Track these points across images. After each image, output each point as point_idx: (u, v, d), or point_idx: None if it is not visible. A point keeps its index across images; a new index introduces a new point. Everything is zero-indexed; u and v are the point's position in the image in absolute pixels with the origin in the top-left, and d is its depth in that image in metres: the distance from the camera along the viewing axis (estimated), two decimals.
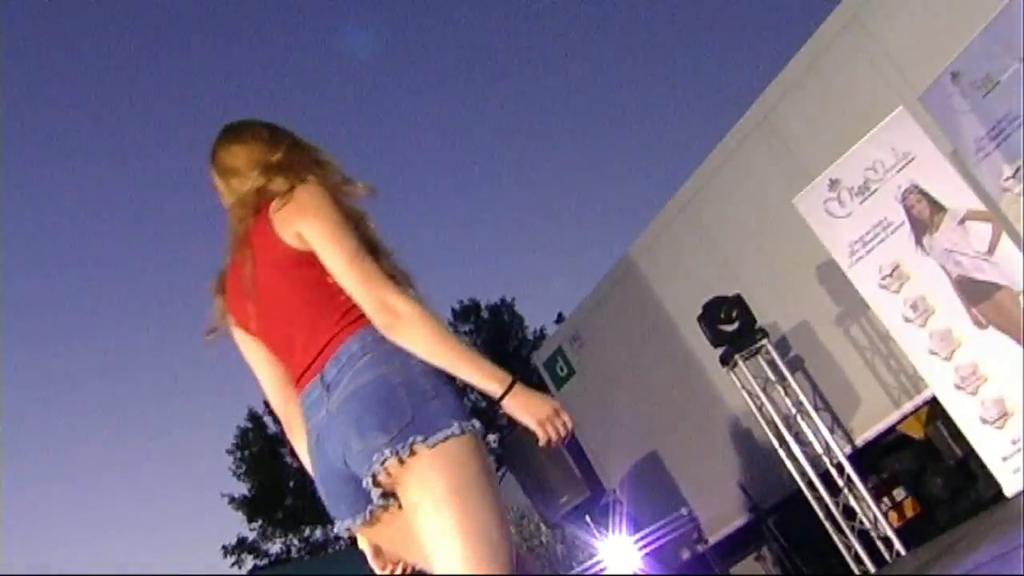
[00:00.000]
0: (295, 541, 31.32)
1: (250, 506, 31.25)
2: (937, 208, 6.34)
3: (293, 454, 29.76)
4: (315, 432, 2.40)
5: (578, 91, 49.44)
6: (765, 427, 7.77)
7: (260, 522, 31.24)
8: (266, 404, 30.40)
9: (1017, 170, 6.06)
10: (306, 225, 2.36)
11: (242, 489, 31.60)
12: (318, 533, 31.10)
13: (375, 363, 2.32)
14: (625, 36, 48.13)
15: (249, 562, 30.71)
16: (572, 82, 48.01)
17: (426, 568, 2.35)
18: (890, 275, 6.47)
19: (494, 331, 33.18)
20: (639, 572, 7.61)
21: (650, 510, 9.55)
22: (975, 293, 6.25)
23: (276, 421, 30.96)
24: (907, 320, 6.41)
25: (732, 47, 49.08)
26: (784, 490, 8.03)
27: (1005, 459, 6.20)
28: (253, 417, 31.82)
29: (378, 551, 2.55)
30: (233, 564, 30.52)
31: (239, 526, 31.47)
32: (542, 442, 2.31)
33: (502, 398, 2.27)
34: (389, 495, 2.29)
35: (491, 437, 25.19)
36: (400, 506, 2.29)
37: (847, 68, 7.64)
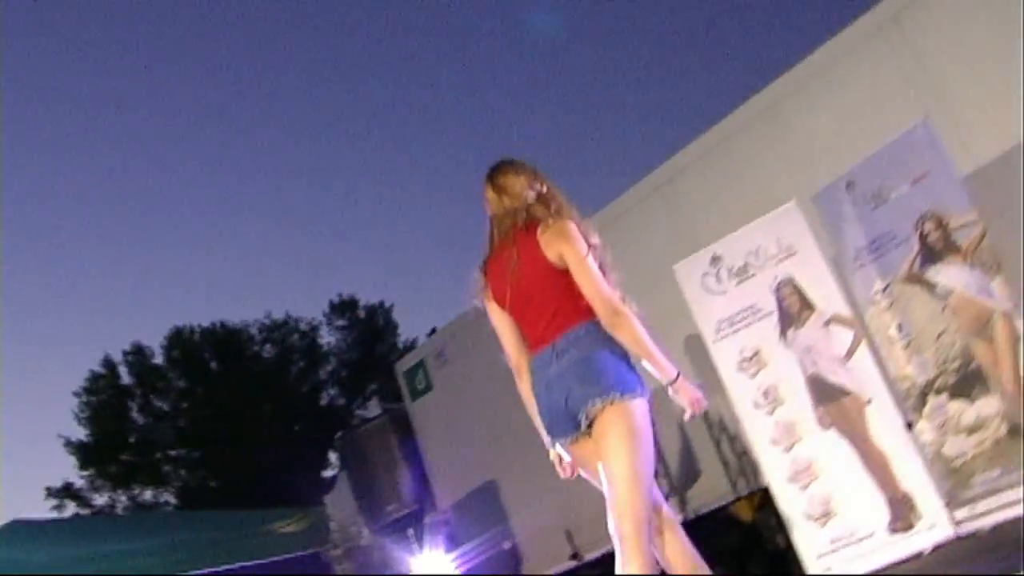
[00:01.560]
0: (123, 498, 30.29)
1: (85, 453, 30.12)
2: (806, 305, 6.43)
3: (141, 410, 29.15)
4: (544, 380, 3.50)
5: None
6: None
7: (92, 471, 30.15)
8: (124, 353, 29.77)
9: (888, 286, 6.20)
10: (565, 248, 3.47)
11: (81, 434, 30.49)
12: (148, 495, 30.19)
13: (596, 343, 3.43)
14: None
15: (71, 509, 29.58)
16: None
17: (596, 477, 3.43)
18: (749, 359, 6.53)
19: (367, 331, 32.83)
20: None
21: (475, 538, 9.46)
22: (824, 394, 6.36)
23: (131, 373, 30.49)
24: (756, 406, 6.47)
25: (652, 110, 49.86)
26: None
27: (820, 556, 6.30)
28: (107, 363, 30.71)
29: (563, 460, 3.67)
30: (53, 508, 29.35)
31: (69, 471, 30.40)
32: (687, 417, 3.50)
33: (672, 382, 3.43)
34: (590, 426, 3.36)
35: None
36: (591, 435, 3.38)
37: (755, 153, 7.78)
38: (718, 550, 8.18)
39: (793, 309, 6.46)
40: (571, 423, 3.41)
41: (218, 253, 46.99)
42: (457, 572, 7.67)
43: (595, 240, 3.58)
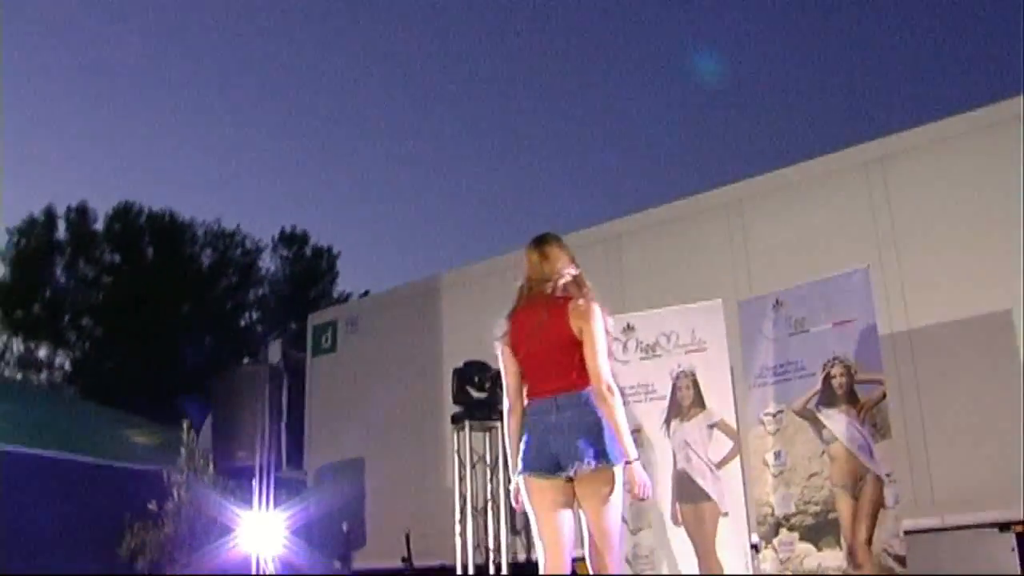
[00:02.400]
0: (17, 346, 29.70)
1: None
2: (698, 402, 6.43)
3: (66, 268, 28.31)
4: (543, 424, 4.03)
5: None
6: (456, 497, 7.72)
7: None
8: (68, 208, 28.84)
9: (779, 412, 6.21)
10: (587, 327, 4.04)
11: None
12: (43, 352, 29.50)
13: (595, 409, 3.98)
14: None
15: None
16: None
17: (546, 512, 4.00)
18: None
19: (307, 270, 32.51)
20: (267, 558, 7.38)
21: (322, 511, 9.38)
22: (686, 492, 6.36)
23: (68, 230, 29.75)
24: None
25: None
26: (440, 556, 7.96)
27: None
28: (48, 213, 29.92)
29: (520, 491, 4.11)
30: None
31: None
32: (630, 498, 4.13)
33: (628, 463, 3.99)
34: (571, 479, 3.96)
35: None
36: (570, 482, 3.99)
37: (703, 241, 7.83)
38: None
39: (685, 402, 6.46)
40: (556, 466, 3.96)
41: (194, 142, 46.45)
42: (281, 533, 7.54)
43: (611, 327, 4.21)
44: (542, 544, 4.02)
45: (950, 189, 6.78)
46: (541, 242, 4.29)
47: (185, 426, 8.25)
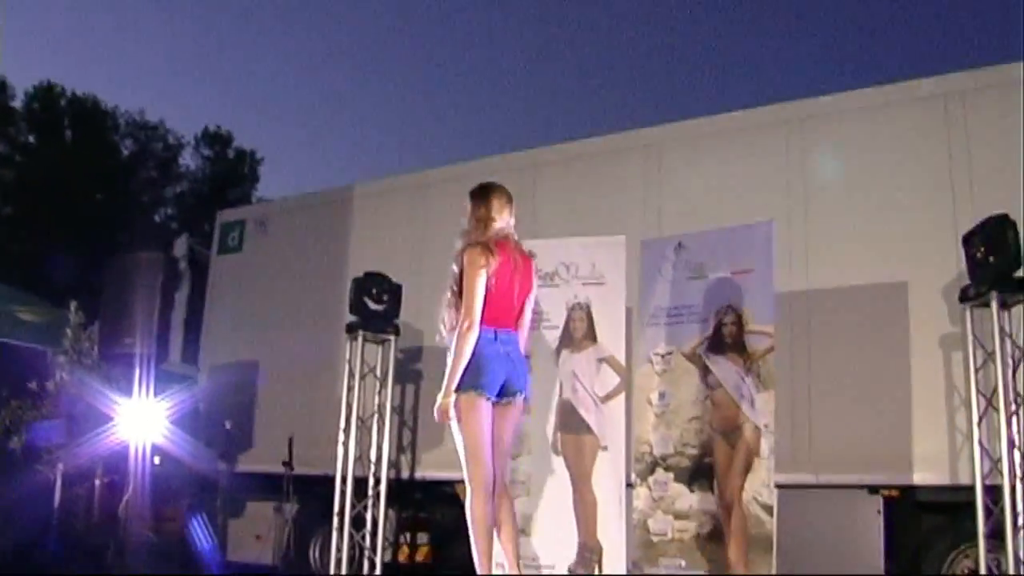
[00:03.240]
0: None
1: None
2: (590, 335, 6.47)
3: None
4: (494, 353, 4.51)
5: None
6: (343, 407, 7.68)
7: None
8: None
9: (668, 353, 6.27)
10: (533, 288, 4.81)
11: None
12: None
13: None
14: None
15: None
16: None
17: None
18: None
19: (228, 171, 32.02)
20: (147, 444, 7.29)
21: (210, 408, 9.30)
22: (569, 422, 6.42)
23: None
24: None
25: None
26: (323, 466, 7.93)
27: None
28: None
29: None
30: None
31: None
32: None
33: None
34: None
35: None
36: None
37: (619, 178, 7.82)
38: (433, 524, 8.32)
39: (577, 334, 6.49)
40: (504, 391, 4.53)
41: (125, 29, 45.09)
42: (163, 423, 7.45)
43: None
44: (480, 458, 4.45)
45: (865, 159, 6.83)
46: (509, 195, 4.80)
47: (73, 307, 8.03)
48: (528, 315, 4.73)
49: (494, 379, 4.49)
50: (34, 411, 7.83)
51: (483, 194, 4.77)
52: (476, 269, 4.50)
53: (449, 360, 4.51)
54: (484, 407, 4.46)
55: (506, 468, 4.63)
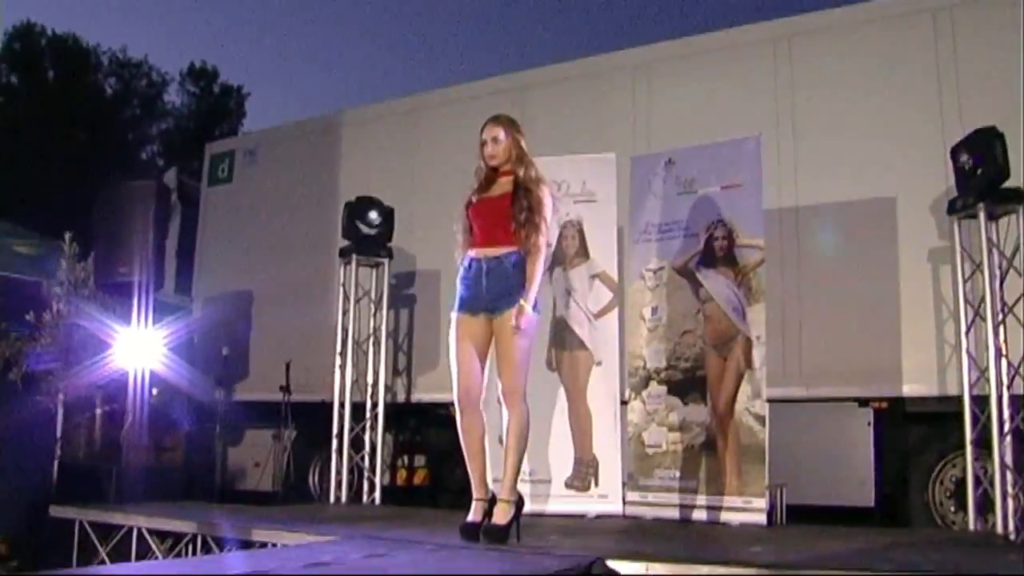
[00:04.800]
0: None
1: None
2: (582, 252, 6.53)
3: None
4: (481, 269, 4.62)
5: None
6: (339, 331, 7.77)
7: None
8: None
9: (660, 269, 6.35)
10: None
11: None
12: None
13: None
14: None
15: None
16: None
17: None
18: None
19: (214, 107, 31.77)
20: (145, 372, 7.37)
21: (206, 336, 9.40)
22: (562, 339, 6.50)
23: None
24: None
25: None
26: (320, 392, 8.05)
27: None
28: None
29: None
30: None
31: None
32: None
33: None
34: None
35: None
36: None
37: (609, 100, 7.92)
38: (431, 447, 8.52)
39: (569, 251, 6.54)
40: (481, 309, 4.64)
41: None
42: (160, 351, 7.52)
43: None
44: (528, 370, 4.71)
45: (853, 74, 6.89)
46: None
47: (67, 238, 8.06)
48: None
49: (470, 296, 4.67)
50: (32, 342, 7.88)
51: (518, 127, 4.87)
52: (550, 200, 4.72)
53: (538, 272, 4.62)
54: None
55: None
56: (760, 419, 5.82)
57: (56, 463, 7.66)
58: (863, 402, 6.60)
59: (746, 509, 5.72)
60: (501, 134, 4.76)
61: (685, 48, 7.74)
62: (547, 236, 4.68)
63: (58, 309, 7.84)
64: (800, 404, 6.66)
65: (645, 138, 7.42)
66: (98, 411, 8.07)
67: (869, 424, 6.60)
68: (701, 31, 7.82)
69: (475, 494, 4.68)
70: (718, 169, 6.18)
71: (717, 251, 6.10)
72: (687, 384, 6.18)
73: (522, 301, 4.53)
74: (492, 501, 4.63)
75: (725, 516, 5.78)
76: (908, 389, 6.35)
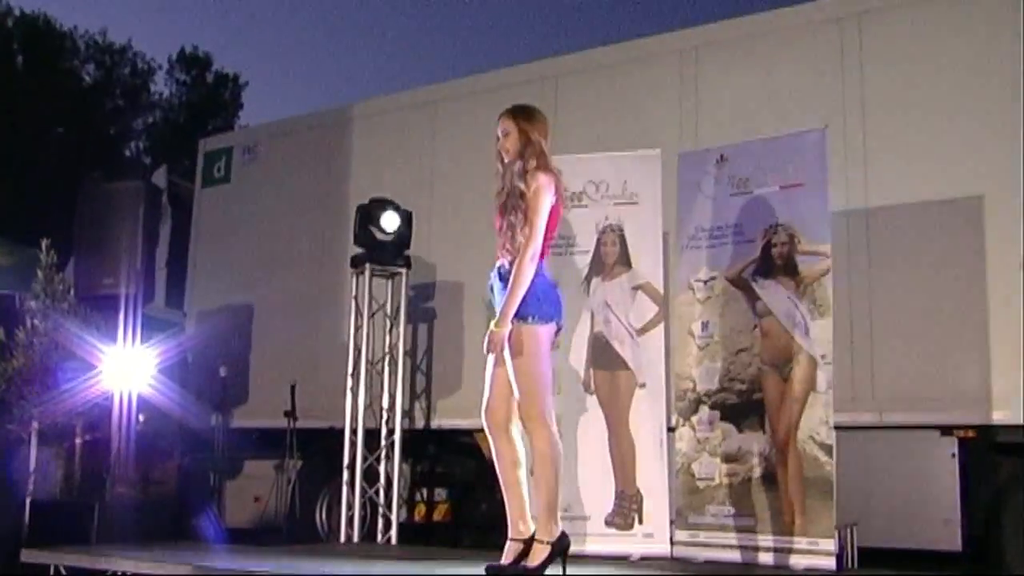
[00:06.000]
0: None
1: None
2: (623, 260, 6.57)
3: None
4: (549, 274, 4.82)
5: None
6: (351, 349, 7.85)
7: None
8: None
9: (711, 279, 6.37)
10: None
11: None
12: None
13: None
14: None
15: None
16: None
17: None
18: None
19: (207, 98, 31.97)
20: (133, 396, 7.47)
21: (201, 355, 9.49)
22: (601, 357, 6.55)
23: None
24: None
25: None
26: (329, 418, 8.14)
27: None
28: None
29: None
30: None
31: None
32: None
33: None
34: None
35: None
36: None
37: (651, 89, 7.97)
38: (451, 479, 8.54)
39: (609, 259, 6.60)
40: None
41: None
42: (151, 372, 7.63)
43: None
44: (549, 390, 4.72)
45: (933, 56, 6.85)
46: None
47: (44, 246, 8.14)
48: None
49: (561, 308, 4.80)
50: (2, 363, 7.95)
51: (531, 116, 4.95)
52: (547, 193, 4.71)
53: (520, 280, 4.61)
54: (552, 340, 4.78)
55: None
56: (826, 449, 5.79)
57: (28, 500, 7.67)
58: (946, 430, 6.54)
59: (812, 551, 5.70)
60: (511, 126, 4.88)
61: (738, 30, 7.76)
62: (534, 236, 4.64)
63: (33, 325, 7.87)
64: (872, 432, 6.66)
65: (693, 131, 7.46)
66: (78, 440, 8.10)
67: (953, 455, 6.53)
68: (756, 11, 7.82)
69: (509, 532, 4.73)
70: (777, 166, 6.19)
71: (776, 259, 6.11)
72: (743, 409, 6.18)
73: (492, 322, 4.64)
74: (531, 541, 4.66)
75: (787, 559, 5.77)
76: (998, 416, 6.28)
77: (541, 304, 4.64)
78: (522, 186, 4.70)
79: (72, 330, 7.74)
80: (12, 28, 29.75)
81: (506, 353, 4.61)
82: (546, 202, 4.68)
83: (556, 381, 6.50)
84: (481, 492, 8.04)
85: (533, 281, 4.60)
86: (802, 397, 5.92)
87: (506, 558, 4.68)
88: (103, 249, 7.55)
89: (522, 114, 4.92)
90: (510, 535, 4.72)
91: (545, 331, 4.66)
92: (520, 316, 4.58)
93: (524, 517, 4.70)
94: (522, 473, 4.74)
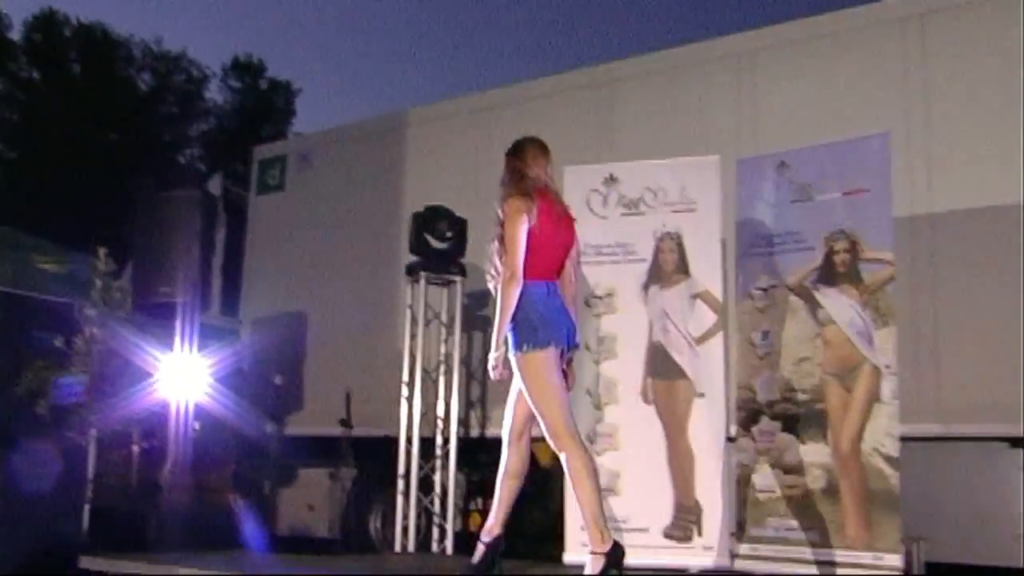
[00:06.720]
0: None
1: None
2: (682, 268, 6.51)
3: None
4: (550, 304, 4.86)
5: None
6: (406, 358, 7.86)
7: None
8: None
9: (771, 287, 6.31)
10: (577, 244, 5.19)
11: None
12: None
13: None
14: None
15: None
16: None
17: None
18: (600, 297, 6.64)
19: (260, 105, 32.27)
20: (189, 404, 7.53)
21: (256, 363, 9.53)
22: (660, 367, 6.50)
23: None
24: (587, 348, 6.55)
25: None
26: (384, 426, 8.15)
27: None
28: None
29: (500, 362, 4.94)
30: None
31: None
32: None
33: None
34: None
35: None
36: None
37: (709, 93, 7.91)
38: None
39: (667, 267, 6.54)
40: (565, 341, 4.88)
41: None
42: (207, 380, 7.68)
43: None
44: (566, 408, 4.84)
45: (1000, 56, 6.72)
46: (545, 147, 5.14)
47: (102, 254, 8.23)
48: (570, 269, 5.09)
49: (562, 331, 4.88)
50: (61, 371, 8.05)
51: (516, 148, 5.15)
52: (518, 217, 4.84)
53: (500, 306, 4.83)
54: (557, 360, 4.84)
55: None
56: (891, 461, 5.72)
57: (87, 507, 7.78)
58: (1015, 442, 6.43)
59: (877, 566, 5.64)
60: (503, 162, 5.18)
61: (796, 32, 7.70)
62: (509, 260, 4.81)
63: (91, 333, 7.99)
64: (939, 443, 6.56)
65: (752, 136, 7.39)
66: (135, 448, 8.19)
67: (1021, 468, 6.45)
68: (814, 13, 7.75)
69: (481, 534, 5.22)
70: (839, 172, 6.13)
71: (838, 266, 6.05)
72: (804, 419, 6.12)
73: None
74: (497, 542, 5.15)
75: (851, 573, 5.71)
76: None
77: (536, 331, 4.79)
78: (500, 213, 4.95)
79: (129, 338, 7.82)
80: (69, 37, 30.17)
81: (515, 377, 4.88)
82: (518, 226, 4.82)
83: (612, 392, 6.54)
84: (535, 501, 7.99)
85: (527, 306, 4.80)
86: (865, 407, 5.87)
87: (476, 557, 5.17)
88: (160, 257, 7.59)
89: (510, 148, 5.19)
90: (480, 536, 5.19)
91: (543, 356, 4.80)
92: (516, 345, 4.80)
93: (498, 522, 5.15)
94: (511, 484, 5.12)
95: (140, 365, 7.71)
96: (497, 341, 4.84)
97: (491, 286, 4.97)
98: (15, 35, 29.72)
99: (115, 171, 25.54)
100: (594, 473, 4.76)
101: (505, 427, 5.09)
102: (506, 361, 4.89)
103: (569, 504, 6.39)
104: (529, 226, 4.83)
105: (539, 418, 4.79)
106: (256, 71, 32.78)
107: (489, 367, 4.99)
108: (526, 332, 4.77)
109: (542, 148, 5.14)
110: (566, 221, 5.07)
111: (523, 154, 5.08)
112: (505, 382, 7.98)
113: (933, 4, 7.08)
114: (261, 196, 10.61)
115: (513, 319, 4.79)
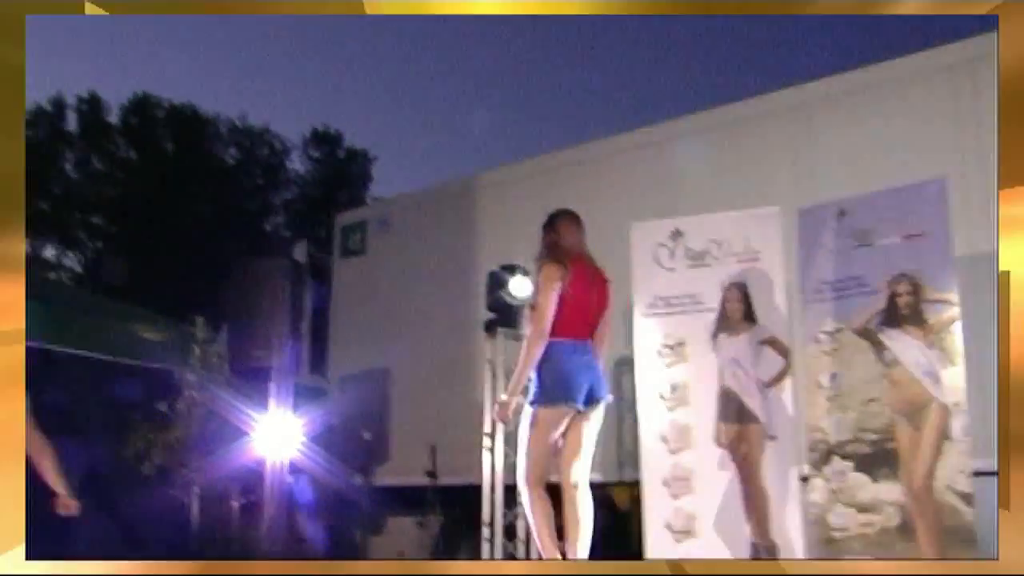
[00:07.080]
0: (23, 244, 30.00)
1: None
2: (748, 316, 6.48)
3: (77, 164, 28.29)
4: (579, 363, 5.06)
5: None
6: (487, 407, 7.88)
7: None
8: (79, 99, 28.96)
9: (837, 331, 6.25)
10: (608, 308, 5.33)
11: None
12: (50, 252, 29.84)
13: None
14: None
15: None
16: None
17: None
18: (671, 347, 6.63)
19: (339, 173, 32.68)
20: (284, 460, 7.61)
21: (344, 420, 9.60)
22: (732, 412, 6.45)
23: (79, 122, 29.70)
24: (661, 397, 6.57)
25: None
26: (470, 476, 8.15)
27: None
28: (57, 103, 29.94)
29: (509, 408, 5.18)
30: None
31: None
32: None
33: None
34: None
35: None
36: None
37: (767, 146, 7.93)
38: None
39: (734, 316, 6.51)
40: (587, 399, 5.05)
41: (217, 32, 46.28)
42: (299, 439, 7.77)
43: None
44: (543, 463, 5.14)
45: None
46: (577, 217, 5.40)
47: (199, 322, 8.39)
48: (603, 330, 5.28)
49: (581, 389, 5.05)
50: (166, 433, 8.19)
51: (550, 220, 5.44)
52: (550, 283, 5.09)
53: (522, 357, 5.08)
54: (563, 421, 5.07)
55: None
56: (966, 497, 5.62)
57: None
58: None
59: None
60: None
61: (850, 84, 7.69)
62: (536, 320, 5.07)
63: (192, 397, 8.13)
64: None
65: (811, 185, 7.36)
66: (234, 504, 8.29)
67: None
68: (866, 64, 7.73)
69: None
70: (898, 217, 6.09)
71: (902, 308, 5.99)
72: (876, 458, 6.04)
73: None
74: None
75: None
76: None
77: (554, 388, 5.01)
78: (536, 280, 5.25)
79: (228, 400, 7.94)
80: (163, 118, 30.87)
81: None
82: (549, 292, 5.06)
83: (686, 437, 6.50)
84: (614, 545, 7.94)
85: (551, 360, 5.01)
86: (936, 445, 5.78)
87: None
88: (253, 323, 7.74)
89: (545, 221, 5.47)
90: None
91: (548, 415, 5.02)
92: (530, 396, 5.04)
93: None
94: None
95: (237, 425, 7.83)
96: (513, 389, 5.07)
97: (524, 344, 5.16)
98: (113, 118, 30.46)
99: (207, 241, 25.96)
100: (537, 516, 5.16)
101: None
102: (515, 409, 5.12)
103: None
104: (562, 291, 5.04)
105: (518, 457, 5.12)
106: (334, 141, 33.22)
107: (496, 409, 5.32)
108: (542, 387, 5.00)
109: (574, 219, 5.38)
110: (600, 285, 5.26)
111: (557, 226, 5.34)
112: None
113: (985, 49, 6.99)
114: (344, 260, 10.76)
115: (538, 371, 4.99)
